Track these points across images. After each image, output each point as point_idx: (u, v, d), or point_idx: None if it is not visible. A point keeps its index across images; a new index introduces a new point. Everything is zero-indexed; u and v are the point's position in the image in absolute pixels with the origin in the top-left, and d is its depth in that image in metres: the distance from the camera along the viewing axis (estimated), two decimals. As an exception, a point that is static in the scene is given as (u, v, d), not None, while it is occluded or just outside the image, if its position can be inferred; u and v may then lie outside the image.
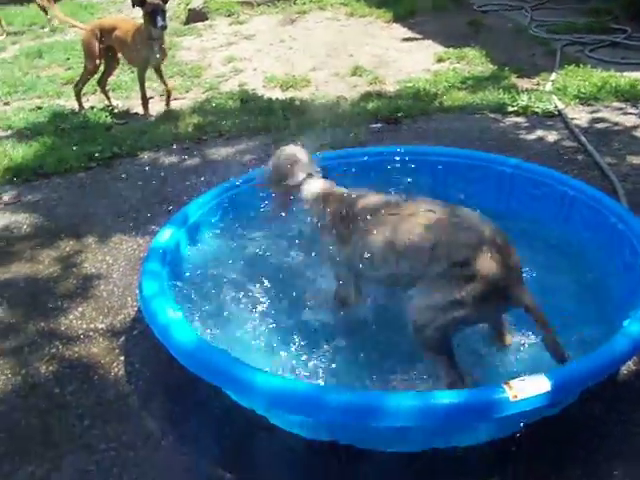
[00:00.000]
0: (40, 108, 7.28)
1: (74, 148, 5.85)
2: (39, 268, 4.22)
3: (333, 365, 2.97)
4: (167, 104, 7.02)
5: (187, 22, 10.91)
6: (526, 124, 6.03)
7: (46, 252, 4.40)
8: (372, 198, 3.12)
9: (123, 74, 8.13)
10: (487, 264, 2.66)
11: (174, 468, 2.75)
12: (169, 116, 6.73)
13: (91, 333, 3.58)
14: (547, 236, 3.85)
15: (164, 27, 6.44)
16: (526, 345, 3.00)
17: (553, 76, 7.14)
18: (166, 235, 3.64)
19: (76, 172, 5.57)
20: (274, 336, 3.17)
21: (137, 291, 3.54)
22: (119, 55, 6.99)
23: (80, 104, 7.08)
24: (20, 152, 5.87)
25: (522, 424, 2.63)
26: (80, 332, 3.59)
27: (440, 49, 8.63)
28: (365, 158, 4.41)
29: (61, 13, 8.18)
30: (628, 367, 3.08)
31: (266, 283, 3.42)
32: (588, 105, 6.39)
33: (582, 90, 6.55)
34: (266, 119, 6.33)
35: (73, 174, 5.55)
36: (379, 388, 2.82)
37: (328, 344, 3.06)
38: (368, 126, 6.08)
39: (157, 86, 7.63)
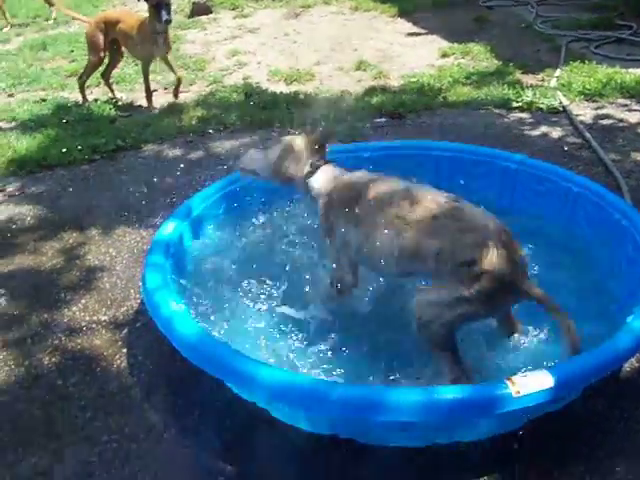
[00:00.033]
0: (44, 100, 7.27)
1: (78, 140, 5.84)
2: (42, 260, 4.22)
3: (334, 360, 2.97)
4: (175, 94, 7.00)
5: (191, 15, 10.91)
6: (530, 120, 6.02)
7: (49, 244, 4.40)
8: (381, 186, 3.09)
9: (127, 67, 8.12)
10: (493, 261, 2.65)
11: (176, 460, 2.76)
12: (173, 109, 6.72)
13: (94, 325, 3.58)
14: (550, 232, 3.85)
15: (169, 21, 6.43)
16: (529, 341, 3.00)
17: (558, 72, 7.13)
18: (170, 228, 3.64)
19: (80, 164, 5.57)
20: (276, 330, 3.17)
21: (140, 283, 3.54)
22: (123, 48, 6.97)
23: (84, 96, 7.07)
24: (24, 144, 5.87)
25: (525, 420, 2.64)
26: (83, 324, 3.59)
27: (445, 44, 8.62)
28: (368, 153, 4.40)
29: (64, 7, 8.18)
30: (631, 364, 3.08)
31: (269, 277, 3.41)
32: (593, 101, 6.38)
33: (587, 86, 6.54)
34: (270, 113, 6.33)
35: (77, 166, 5.55)
36: (380, 383, 2.82)
37: (330, 339, 3.06)
38: (372, 120, 6.07)
39: (161, 79, 7.66)
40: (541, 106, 6.23)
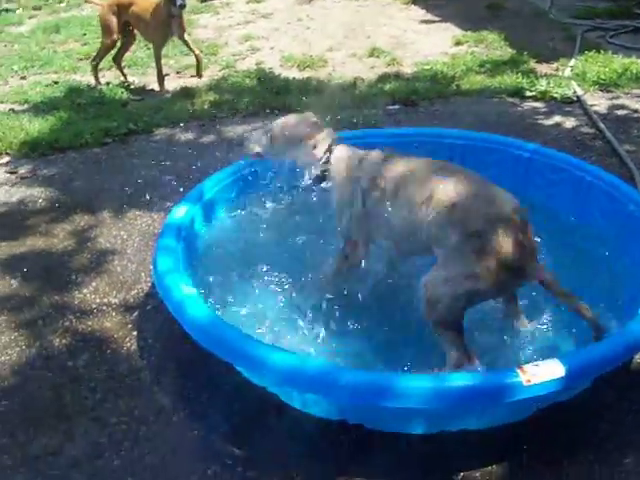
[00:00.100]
0: (56, 83, 7.27)
1: (90, 123, 5.85)
2: (54, 242, 4.23)
3: (344, 345, 2.98)
4: (199, 74, 7.00)
5: (204, 0, 10.87)
6: (544, 109, 5.99)
7: (61, 226, 4.41)
8: (400, 161, 3.10)
9: (139, 50, 8.12)
10: (503, 236, 2.64)
11: (185, 443, 2.76)
12: (185, 93, 6.71)
13: (104, 307, 3.59)
14: (563, 222, 3.83)
15: (183, 6, 6.44)
16: (541, 329, 2.99)
17: (572, 62, 7.07)
18: (181, 211, 3.64)
19: (92, 147, 5.57)
20: (286, 314, 3.17)
21: (151, 266, 3.55)
22: (135, 31, 6.96)
23: (97, 79, 7.07)
24: (36, 126, 5.87)
25: (534, 409, 2.64)
26: (94, 306, 3.60)
27: (458, 32, 8.57)
28: (379, 140, 4.38)
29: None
30: (641, 355, 3.08)
31: (279, 261, 3.41)
32: (607, 92, 6.33)
33: (602, 76, 6.48)
34: (283, 98, 6.31)
35: (89, 149, 5.55)
36: (389, 369, 2.82)
37: (340, 324, 3.06)
38: (385, 107, 6.05)
39: (173, 63, 7.65)
40: (555, 95, 6.18)
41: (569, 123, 5.65)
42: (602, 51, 7.18)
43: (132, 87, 7.08)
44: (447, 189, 2.82)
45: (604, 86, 6.39)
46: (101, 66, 7.22)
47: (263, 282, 3.34)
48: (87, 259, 4.03)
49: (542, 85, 6.32)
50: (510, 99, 6.24)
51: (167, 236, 3.42)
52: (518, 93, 6.30)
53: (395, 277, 3.32)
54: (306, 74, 7.26)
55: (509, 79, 6.59)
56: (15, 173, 5.22)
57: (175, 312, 2.93)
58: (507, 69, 6.93)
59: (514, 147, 4.29)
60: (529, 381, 2.38)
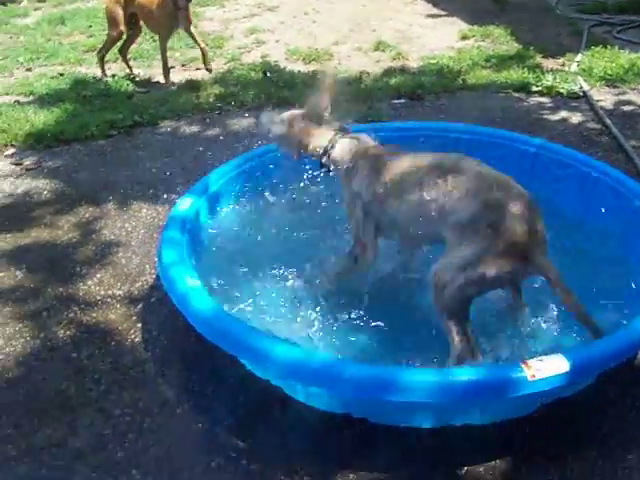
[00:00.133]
0: (62, 75, 7.25)
1: (95, 116, 5.85)
2: (58, 234, 4.23)
3: (349, 339, 2.98)
4: (207, 68, 6.97)
5: (210, -8, 10.84)
6: (550, 104, 5.98)
7: (65, 218, 4.41)
8: (408, 153, 3.11)
9: (145, 43, 8.11)
10: (515, 223, 2.65)
11: (189, 435, 2.76)
12: (190, 86, 6.70)
13: (109, 299, 3.59)
14: (568, 217, 3.82)
15: (190, -1, 6.44)
16: (546, 324, 2.98)
17: (579, 57, 7.06)
18: (186, 204, 3.64)
19: (97, 139, 5.57)
20: (290, 307, 3.17)
21: (155, 259, 3.55)
22: (141, 23, 6.95)
23: (103, 71, 7.06)
24: (41, 118, 5.87)
25: (538, 404, 2.63)
26: (98, 298, 3.60)
27: (464, 26, 8.56)
28: (384, 134, 4.37)
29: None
30: (645, 351, 3.07)
31: (284, 254, 3.41)
32: (614, 87, 6.32)
33: (608, 72, 6.47)
34: (288, 92, 6.30)
35: (94, 141, 5.55)
36: (393, 363, 2.81)
37: (345, 318, 3.05)
38: (390, 101, 6.05)
39: (179, 56, 7.64)
40: (561, 91, 6.17)
41: (575, 118, 5.64)
42: (609, 46, 7.17)
43: (137, 79, 7.08)
44: (456, 176, 2.83)
45: (611, 82, 6.38)
46: (107, 58, 7.19)
47: (267, 275, 3.33)
48: (92, 251, 4.03)
49: (548, 80, 6.30)
50: (516, 94, 6.23)
51: (172, 228, 3.42)
52: (524, 88, 6.29)
53: (399, 271, 3.33)
54: (311, 67, 7.25)
55: (515, 74, 6.58)
56: (20, 165, 5.22)
57: (179, 304, 2.93)
58: (513, 64, 6.92)
59: (520, 142, 4.28)
60: (533, 376, 2.37)
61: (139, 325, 3.38)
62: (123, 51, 7.14)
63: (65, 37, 8.88)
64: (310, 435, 2.72)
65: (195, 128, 5.76)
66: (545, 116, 5.72)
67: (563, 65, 6.98)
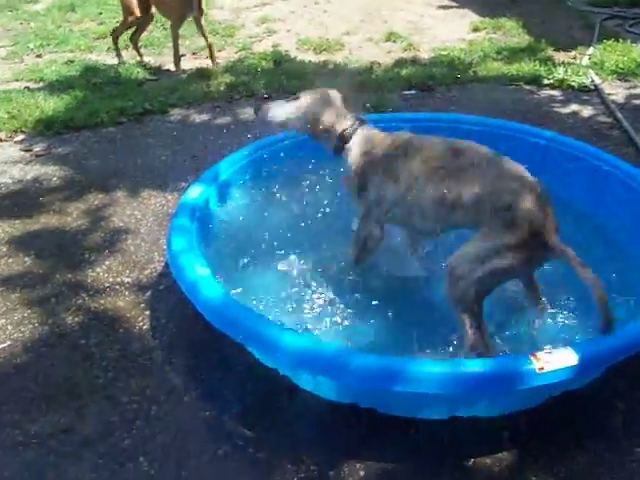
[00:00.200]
0: (72, 62, 7.27)
1: (105, 103, 5.85)
2: (67, 220, 4.24)
3: (357, 328, 2.98)
4: (212, 61, 6.96)
5: (221, -20, 10.81)
6: (561, 97, 5.96)
7: (75, 205, 4.42)
8: (420, 140, 3.09)
9: (155, 30, 8.11)
10: (530, 208, 2.66)
11: (196, 423, 2.77)
12: (201, 74, 6.70)
13: (117, 286, 3.59)
14: (579, 211, 3.80)
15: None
16: (556, 317, 2.98)
17: (590, 50, 7.04)
18: (196, 191, 3.63)
19: (107, 126, 5.58)
20: (300, 296, 3.16)
21: (164, 246, 3.55)
22: (153, 10, 6.93)
23: (118, 52, 7.08)
24: (51, 104, 5.88)
25: (546, 397, 2.63)
26: (106, 285, 3.61)
27: (476, 18, 8.53)
28: (395, 124, 4.35)
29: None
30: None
31: (294, 242, 3.41)
32: (626, 81, 6.30)
33: (620, 65, 6.45)
34: (299, 81, 6.28)
35: (104, 128, 5.56)
36: (403, 354, 2.81)
37: (354, 307, 3.06)
38: (401, 92, 6.03)
39: (189, 44, 7.62)
40: (572, 84, 6.15)
41: (586, 112, 5.62)
42: (621, 40, 7.14)
43: (148, 67, 7.07)
44: (473, 166, 2.84)
45: (622, 75, 6.35)
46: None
47: (275, 263, 3.34)
48: (100, 238, 4.03)
49: (559, 73, 6.28)
50: (527, 86, 6.22)
51: (181, 216, 3.41)
52: (535, 81, 6.27)
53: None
54: (322, 57, 7.25)
55: (526, 66, 6.56)
56: (30, 151, 5.23)
57: (188, 292, 2.93)
58: (524, 56, 6.91)
59: (531, 135, 4.26)
60: (542, 369, 2.37)
61: (147, 312, 3.39)
62: (134, 38, 7.14)
63: (75, 24, 8.88)
64: (317, 425, 2.72)
65: (205, 116, 5.76)
66: (556, 109, 5.69)
67: (574, 58, 6.95)
